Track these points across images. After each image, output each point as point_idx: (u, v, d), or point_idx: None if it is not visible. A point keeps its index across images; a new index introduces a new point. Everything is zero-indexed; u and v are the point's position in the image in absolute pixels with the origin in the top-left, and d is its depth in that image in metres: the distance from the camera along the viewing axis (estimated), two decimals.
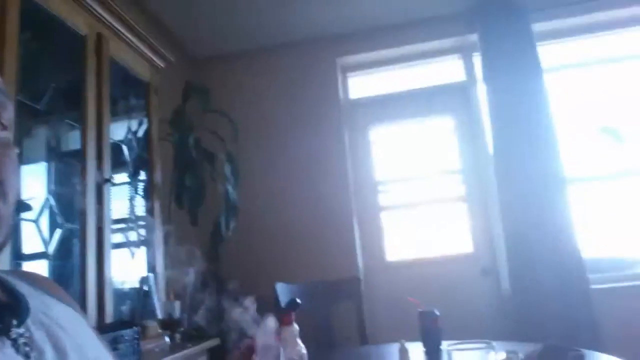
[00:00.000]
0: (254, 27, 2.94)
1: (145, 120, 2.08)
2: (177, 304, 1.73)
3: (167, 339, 1.70)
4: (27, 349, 0.51)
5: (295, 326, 1.29)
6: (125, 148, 1.92)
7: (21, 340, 0.51)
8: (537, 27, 2.84)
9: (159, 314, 1.70)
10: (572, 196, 2.65)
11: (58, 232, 1.48)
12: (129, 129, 1.99)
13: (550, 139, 2.71)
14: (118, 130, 1.92)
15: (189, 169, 2.21)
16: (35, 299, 0.58)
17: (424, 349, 1.81)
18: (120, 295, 1.67)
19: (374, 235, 2.99)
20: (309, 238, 2.83)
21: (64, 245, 1.48)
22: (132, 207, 1.92)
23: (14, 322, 0.52)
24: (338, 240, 2.82)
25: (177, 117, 2.31)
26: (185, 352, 1.65)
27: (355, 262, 2.83)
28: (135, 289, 1.73)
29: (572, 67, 3.05)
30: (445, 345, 1.72)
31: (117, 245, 1.72)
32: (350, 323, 2.15)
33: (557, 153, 2.69)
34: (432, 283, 2.73)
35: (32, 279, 0.63)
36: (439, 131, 3.08)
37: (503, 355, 1.29)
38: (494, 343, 1.18)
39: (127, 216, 1.89)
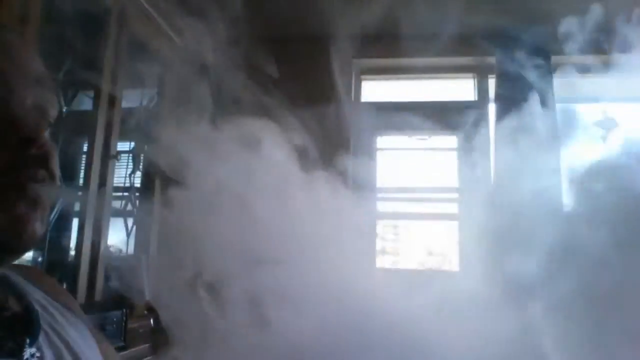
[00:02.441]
0: (274, 15, 2.92)
1: (156, 96, 2.08)
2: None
3: (151, 321, 1.71)
4: None
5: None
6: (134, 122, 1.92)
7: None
8: (555, 59, 2.85)
9: (147, 295, 1.71)
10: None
11: (58, 202, 1.48)
12: (141, 103, 1.99)
13: (554, 174, 2.73)
14: (130, 102, 1.93)
15: None
16: (46, 310, 0.58)
17: None
18: (111, 271, 1.68)
19: (367, 241, 3.00)
20: (307, 243, 2.84)
21: (62, 217, 1.48)
22: (132, 181, 1.92)
23: (27, 340, 0.52)
24: (330, 244, 2.83)
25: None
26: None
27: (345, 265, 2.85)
28: (126, 266, 1.74)
29: (583, 102, 3.09)
30: None
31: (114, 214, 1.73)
32: None
33: (559, 188, 2.72)
34: (414, 295, 2.76)
35: (36, 278, 0.63)
36: (443, 147, 3.11)
37: None
38: None
39: (125, 187, 1.89)
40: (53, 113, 0.56)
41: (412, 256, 3.01)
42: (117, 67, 1.72)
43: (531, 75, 2.81)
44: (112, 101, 1.71)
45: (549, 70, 2.84)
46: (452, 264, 2.94)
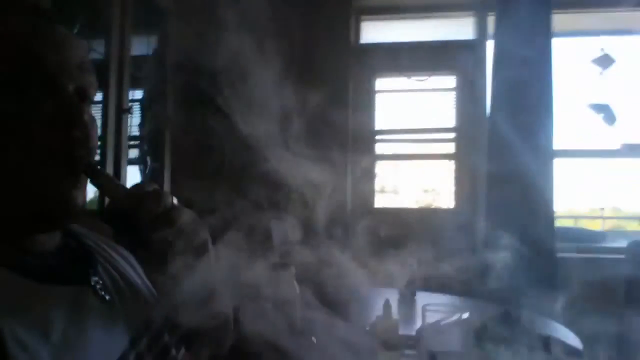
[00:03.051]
0: None
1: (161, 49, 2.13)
2: None
3: None
4: (102, 293, 0.62)
5: (293, 268, 1.46)
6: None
7: (97, 287, 0.62)
8: None
9: None
10: (557, 168, 2.80)
11: None
12: (148, 54, 2.05)
13: (547, 110, 2.81)
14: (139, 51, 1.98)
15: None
16: (99, 246, 0.70)
17: (398, 297, 2.02)
18: None
19: (366, 182, 3.13)
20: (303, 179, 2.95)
21: None
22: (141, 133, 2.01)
23: (91, 270, 0.63)
24: (331, 184, 2.95)
25: None
26: None
27: (345, 207, 2.99)
28: None
29: (580, 35, 3.12)
30: (419, 295, 1.95)
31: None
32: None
33: (550, 124, 2.80)
34: (414, 232, 2.91)
35: (84, 221, 0.74)
36: (441, 88, 3.15)
37: (465, 315, 1.48)
38: (462, 301, 1.36)
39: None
40: (93, 94, 0.64)
41: (410, 195, 3.15)
42: (124, 16, 1.77)
43: (531, 11, 2.82)
44: (122, 50, 1.77)
45: (547, 6, 2.83)
46: (449, 201, 3.09)
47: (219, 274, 0.75)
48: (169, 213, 0.60)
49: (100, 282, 0.63)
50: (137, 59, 1.94)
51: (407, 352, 1.33)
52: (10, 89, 0.54)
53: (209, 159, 2.47)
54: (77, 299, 0.57)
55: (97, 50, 1.74)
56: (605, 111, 3.09)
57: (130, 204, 0.59)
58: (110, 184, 0.62)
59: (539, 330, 1.50)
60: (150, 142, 2.02)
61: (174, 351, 0.69)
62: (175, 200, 0.63)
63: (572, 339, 1.47)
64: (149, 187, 0.61)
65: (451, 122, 3.11)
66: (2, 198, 0.55)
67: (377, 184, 3.16)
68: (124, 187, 0.62)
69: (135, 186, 0.64)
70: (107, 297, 0.62)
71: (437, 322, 1.23)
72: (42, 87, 0.56)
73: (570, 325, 1.60)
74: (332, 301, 1.93)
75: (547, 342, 1.41)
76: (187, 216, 0.62)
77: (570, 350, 1.37)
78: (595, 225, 3.46)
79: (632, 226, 3.55)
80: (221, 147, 2.53)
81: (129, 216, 0.58)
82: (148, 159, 2.07)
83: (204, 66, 2.37)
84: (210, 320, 0.74)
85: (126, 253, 0.74)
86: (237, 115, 2.60)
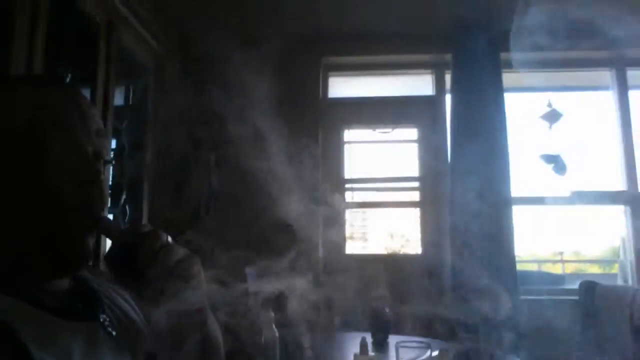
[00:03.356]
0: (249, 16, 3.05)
1: (143, 104, 2.22)
2: None
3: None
4: (110, 329, 0.69)
5: (271, 312, 1.52)
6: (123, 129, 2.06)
7: (106, 323, 0.69)
8: (504, 55, 3.10)
9: None
10: (515, 214, 2.97)
11: None
12: (128, 111, 2.13)
13: (503, 159, 3.00)
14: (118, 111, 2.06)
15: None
16: (101, 288, 0.77)
17: (372, 340, 2.08)
18: None
19: (337, 230, 3.22)
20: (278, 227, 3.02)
21: None
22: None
23: (99, 309, 0.70)
24: (304, 231, 3.02)
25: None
26: None
27: (317, 254, 3.06)
28: None
29: (529, 91, 3.40)
30: (391, 339, 2.01)
31: None
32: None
33: (507, 172, 2.99)
34: (384, 278, 2.99)
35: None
36: (405, 139, 3.34)
37: (436, 352, 1.56)
38: (431, 341, 1.45)
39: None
40: (107, 155, 0.74)
41: (379, 241, 3.25)
42: (109, 67, 1.86)
43: (483, 70, 3.07)
44: (106, 100, 1.85)
45: (497, 65, 3.09)
46: (416, 247, 3.20)
47: (209, 307, 0.83)
48: (166, 249, 0.68)
49: (107, 319, 0.70)
50: (119, 110, 2.02)
51: None
52: (41, 153, 0.62)
53: (186, 208, 2.53)
54: (90, 333, 0.64)
55: None
56: (555, 161, 3.33)
57: (132, 241, 0.66)
58: (113, 226, 0.70)
59: None
60: (129, 191, 2.07)
61: None
62: (170, 239, 0.71)
63: None
64: (146, 228, 0.69)
65: (415, 171, 3.28)
66: (29, 246, 0.63)
67: (347, 231, 3.26)
68: (124, 229, 0.70)
69: (133, 225, 0.72)
70: (113, 333, 0.69)
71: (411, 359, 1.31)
72: (69, 151, 0.64)
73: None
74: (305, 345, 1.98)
75: None
76: (181, 252, 0.70)
77: None
78: (557, 269, 3.64)
79: (592, 269, 3.75)
80: (198, 197, 2.60)
81: (129, 254, 0.65)
82: (127, 207, 2.12)
83: (183, 120, 2.49)
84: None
85: (123, 292, 0.81)
86: (213, 166, 2.71)
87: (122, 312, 0.76)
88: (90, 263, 0.72)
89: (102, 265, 0.75)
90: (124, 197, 1.87)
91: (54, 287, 0.66)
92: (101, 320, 0.69)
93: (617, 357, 1.82)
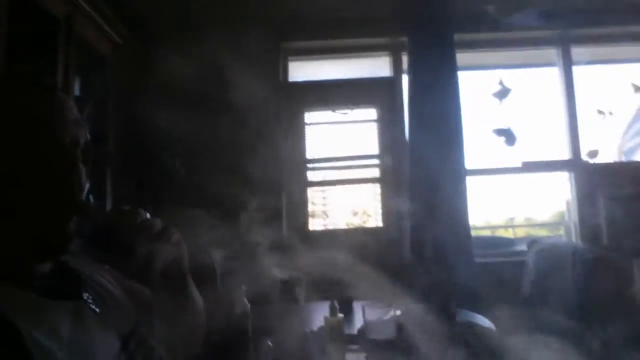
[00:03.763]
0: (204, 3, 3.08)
1: (103, 94, 2.25)
2: None
3: None
4: (93, 306, 0.73)
5: (243, 287, 1.62)
6: (85, 120, 2.09)
7: (89, 301, 0.73)
8: (458, 36, 3.25)
9: None
10: (470, 185, 3.15)
11: None
12: (89, 102, 2.16)
13: (458, 134, 3.16)
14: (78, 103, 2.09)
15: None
16: (82, 267, 0.81)
17: (337, 307, 2.21)
18: None
19: (300, 207, 3.33)
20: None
21: None
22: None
23: (81, 288, 0.74)
24: (267, 210, 3.10)
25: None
26: None
27: (280, 229, 3.15)
28: None
29: (482, 69, 3.58)
30: (355, 304, 2.14)
31: None
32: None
33: (462, 147, 3.15)
34: (347, 251, 3.12)
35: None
36: (364, 119, 3.46)
37: (399, 311, 1.69)
38: (394, 302, 1.58)
39: None
40: (83, 142, 0.76)
41: (341, 217, 3.38)
42: (69, 60, 1.88)
43: (438, 51, 3.20)
44: (67, 93, 1.88)
45: (451, 45, 3.22)
46: (377, 221, 3.35)
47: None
48: (146, 223, 0.76)
49: (91, 297, 0.74)
50: (79, 101, 2.05)
51: (351, 346, 1.53)
52: (22, 147, 0.66)
53: (148, 194, 2.58)
54: (76, 311, 0.68)
55: None
56: (506, 134, 3.53)
57: (114, 220, 0.73)
58: (94, 210, 0.76)
59: (462, 319, 1.75)
60: (92, 182, 2.10)
61: (157, 351, 0.81)
62: (148, 215, 0.78)
63: (488, 323, 1.72)
64: (125, 207, 0.76)
65: (375, 149, 3.41)
66: (17, 234, 0.67)
67: (310, 209, 3.37)
68: (106, 211, 0.76)
69: (113, 207, 0.78)
70: (97, 310, 0.73)
71: (377, 319, 1.43)
72: (47, 142, 0.69)
73: (486, 314, 1.86)
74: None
75: (468, 327, 1.66)
76: (160, 224, 0.78)
77: (485, 330, 1.62)
78: (509, 234, 3.88)
79: (541, 232, 4.02)
80: (161, 182, 2.65)
81: (112, 233, 0.71)
82: (90, 196, 2.15)
83: (143, 109, 2.52)
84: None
85: (103, 270, 0.86)
86: (176, 149, 2.76)
87: (104, 289, 0.80)
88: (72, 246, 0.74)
89: (83, 246, 0.77)
90: (87, 187, 1.90)
91: (36, 270, 0.69)
92: (85, 298, 0.72)
93: (561, 306, 2.01)
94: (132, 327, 0.78)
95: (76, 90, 2.10)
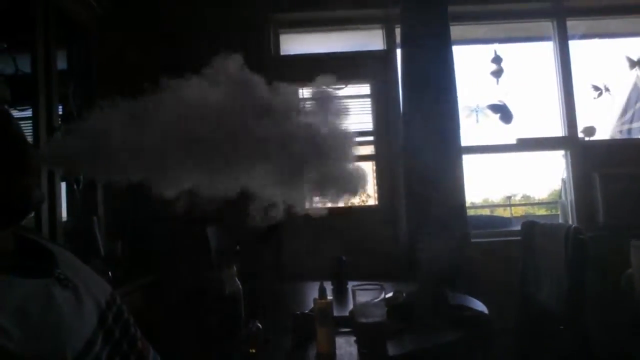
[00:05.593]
0: None
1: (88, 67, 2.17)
2: (119, 244, 1.93)
3: (110, 275, 1.91)
4: (66, 282, 0.70)
5: (234, 267, 1.58)
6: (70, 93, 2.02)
7: (61, 277, 0.70)
8: (451, 8, 3.16)
9: (102, 252, 1.89)
10: (468, 163, 3.11)
11: None
12: (74, 75, 2.08)
13: (453, 109, 3.10)
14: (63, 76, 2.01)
15: None
16: (54, 245, 0.79)
17: (332, 288, 2.19)
18: (67, 235, 1.84)
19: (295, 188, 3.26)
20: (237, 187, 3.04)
21: None
22: None
23: (52, 265, 0.71)
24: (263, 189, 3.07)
25: None
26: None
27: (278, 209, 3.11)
28: (81, 228, 1.90)
29: (477, 43, 3.50)
30: (350, 285, 2.12)
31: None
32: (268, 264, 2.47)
33: (457, 122, 3.09)
34: (342, 230, 3.08)
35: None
36: (358, 94, 3.38)
37: (390, 293, 1.67)
38: (386, 284, 1.54)
39: None
40: (5, 97, 0.73)
41: None
42: (48, 32, 1.81)
43: (431, 23, 3.11)
44: (48, 65, 1.80)
45: (445, 18, 3.13)
46: (373, 199, 3.30)
47: None
48: None
49: (62, 273, 0.71)
50: (64, 74, 1.97)
51: (341, 329, 1.50)
52: None
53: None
54: (47, 289, 0.65)
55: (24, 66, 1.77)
56: (502, 111, 3.47)
57: None
58: None
59: (455, 301, 1.72)
60: None
61: (132, 328, 0.80)
62: None
63: (481, 306, 1.70)
64: None
65: (369, 125, 3.34)
66: None
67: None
68: None
69: None
70: (69, 285, 0.70)
71: (366, 301, 1.40)
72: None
73: (479, 296, 1.83)
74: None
75: (461, 309, 1.63)
76: None
77: (478, 313, 1.59)
78: (507, 213, 3.86)
79: (539, 211, 4.00)
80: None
81: None
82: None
83: (131, 79, 2.43)
84: None
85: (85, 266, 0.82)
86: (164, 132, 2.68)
87: (78, 264, 0.78)
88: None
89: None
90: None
91: (3, 248, 0.67)
92: (56, 274, 0.70)
93: (553, 288, 1.99)
94: (107, 299, 0.76)
95: (60, 64, 2.02)
